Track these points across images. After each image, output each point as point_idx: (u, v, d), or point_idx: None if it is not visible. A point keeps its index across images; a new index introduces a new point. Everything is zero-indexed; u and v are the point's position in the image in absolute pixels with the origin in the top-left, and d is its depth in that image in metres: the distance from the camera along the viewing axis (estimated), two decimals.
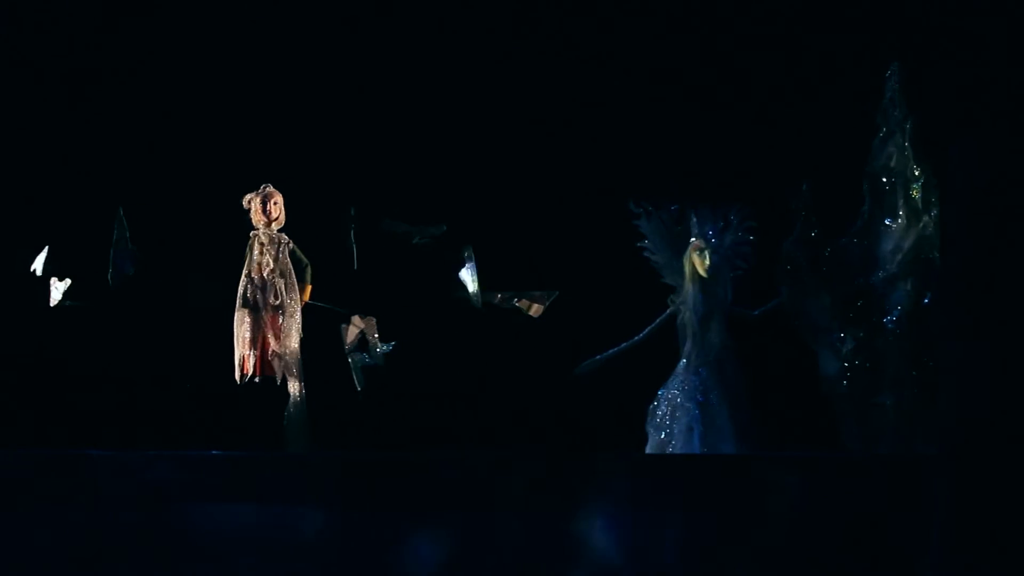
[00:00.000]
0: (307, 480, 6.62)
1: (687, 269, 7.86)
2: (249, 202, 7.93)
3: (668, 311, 7.94)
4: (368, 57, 9.00)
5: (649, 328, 7.98)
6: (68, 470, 6.64)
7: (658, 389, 7.89)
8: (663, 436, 7.78)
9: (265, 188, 7.93)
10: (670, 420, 7.77)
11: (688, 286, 7.85)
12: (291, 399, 7.78)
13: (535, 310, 8.07)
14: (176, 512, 6.53)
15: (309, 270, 7.94)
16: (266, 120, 8.81)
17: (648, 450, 7.82)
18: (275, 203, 7.91)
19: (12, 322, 8.63)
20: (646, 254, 8.00)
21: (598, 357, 8.02)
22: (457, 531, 6.51)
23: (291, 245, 7.95)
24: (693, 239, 7.85)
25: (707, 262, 7.79)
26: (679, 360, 7.88)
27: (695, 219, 7.86)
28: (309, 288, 7.94)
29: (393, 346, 7.88)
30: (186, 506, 6.54)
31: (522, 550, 6.48)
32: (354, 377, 7.86)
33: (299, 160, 8.65)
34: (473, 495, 6.52)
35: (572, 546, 6.48)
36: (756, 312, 7.85)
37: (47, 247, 8.07)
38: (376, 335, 7.84)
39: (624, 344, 8.01)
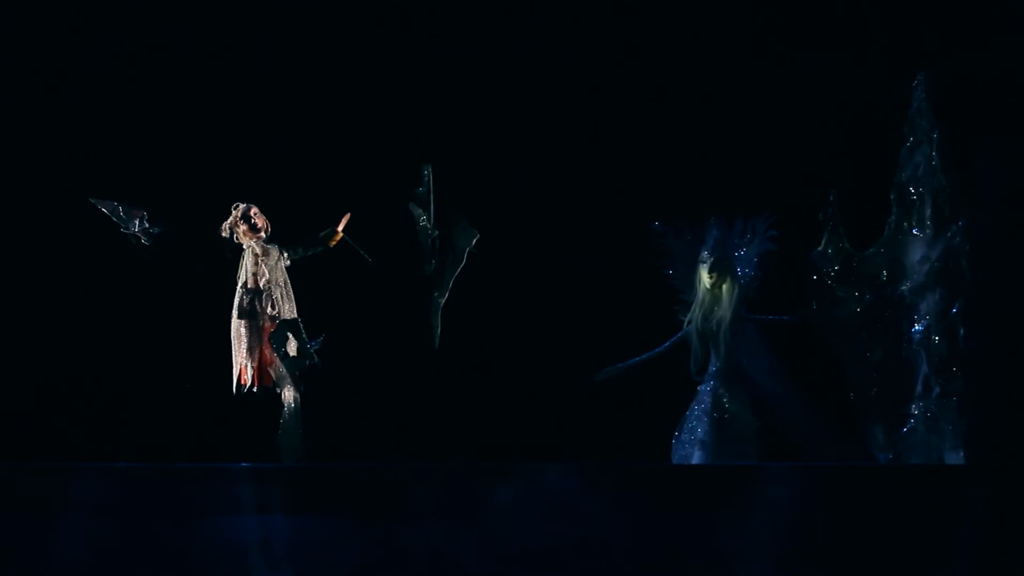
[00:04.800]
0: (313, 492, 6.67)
1: (698, 284, 7.85)
2: (231, 228, 7.81)
3: (689, 325, 7.93)
4: (378, 60, 9.02)
5: (671, 340, 7.97)
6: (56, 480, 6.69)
7: (684, 405, 7.89)
8: (684, 451, 7.78)
9: (238, 207, 7.83)
10: (689, 435, 7.78)
11: (699, 300, 7.84)
12: (286, 408, 7.73)
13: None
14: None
15: (310, 243, 7.86)
16: (253, 127, 8.78)
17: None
18: (256, 214, 7.82)
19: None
20: (668, 271, 7.99)
21: (619, 365, 8.01)
22: (463, 541, 6.54)
23: (284, 253, 7.88)
24: (703, 252, 7.84)
25: (713, 275, 7.77)
26: (696, 377, 7.87)
27: (715, 232, 7.85)
28: (336, 233, 7.84)
29: (322, 340, 7.74)
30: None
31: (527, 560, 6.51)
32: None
33: (289, 170, 8.64)
34: (481, 505, 6.56)
35: (581, 554, 6.49)
36: (786, 317, 7.82)
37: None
38: (303, 335, 7.72)
39: (645, 354, 7.99)
